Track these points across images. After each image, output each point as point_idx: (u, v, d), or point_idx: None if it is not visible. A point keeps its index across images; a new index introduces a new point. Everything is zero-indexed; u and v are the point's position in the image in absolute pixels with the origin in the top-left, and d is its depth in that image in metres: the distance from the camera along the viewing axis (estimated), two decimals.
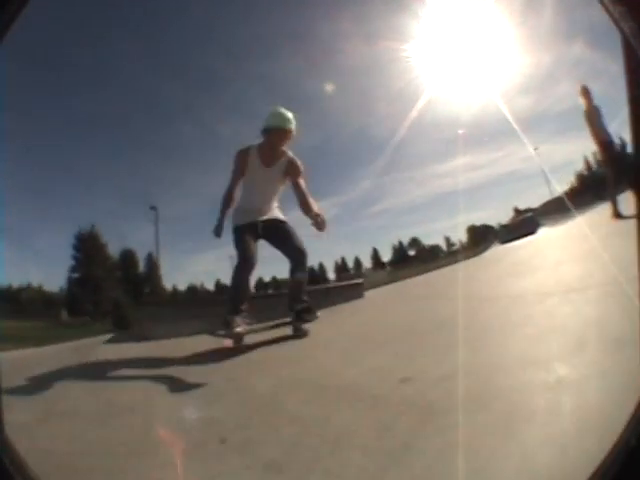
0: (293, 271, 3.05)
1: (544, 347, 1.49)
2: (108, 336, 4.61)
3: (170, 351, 2.99)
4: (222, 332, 2.80)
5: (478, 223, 10.90)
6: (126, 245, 7.80)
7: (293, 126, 2.93)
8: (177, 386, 2.00)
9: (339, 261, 11.25)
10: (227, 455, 1.19)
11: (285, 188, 3.19)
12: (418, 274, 8.51)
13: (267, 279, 7.82)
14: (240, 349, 2.75)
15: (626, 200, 4.18)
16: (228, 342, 2.81)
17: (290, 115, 2.93)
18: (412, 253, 11.66)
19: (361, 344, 2.37)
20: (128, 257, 7.89)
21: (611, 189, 4.43)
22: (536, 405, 1.01)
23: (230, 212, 3.09)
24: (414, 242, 11.95)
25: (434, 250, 11.21)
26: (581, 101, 4.69)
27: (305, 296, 3.05)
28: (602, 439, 0.61)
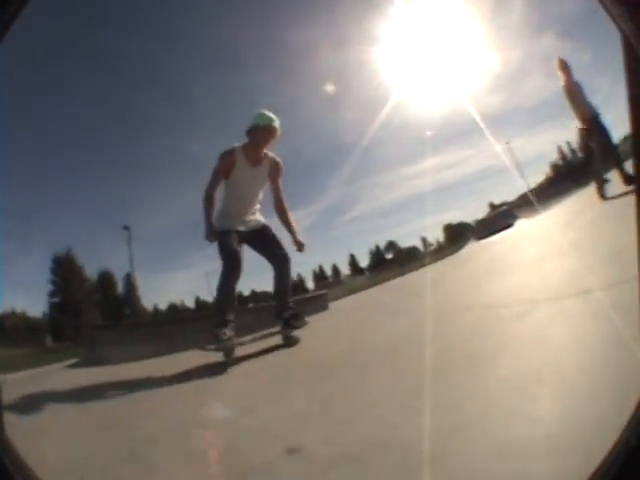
0: (279, 277, 2.99)
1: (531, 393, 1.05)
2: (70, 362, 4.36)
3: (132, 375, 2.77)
4: (213, 346, 2.67)
5: (454, 221, 10.90)
6: (103, 267, 7.59)
7: (278, 126, 2.96)
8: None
9: (317, 270, 11.22)
10: None
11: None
12: (396, 277, 8.45)
13: (246, 293, 7.68)
14: (231, 362, 2.60)
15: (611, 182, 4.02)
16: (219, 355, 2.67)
17: (275, 116, 2.96)
18: (390, 256, 11.67)
19: (269, 389, 1.88)
20: (106, 279, 7.66)
21: (597, 167, 4.20)
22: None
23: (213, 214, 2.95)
24: (391, 245, 11.99)
25: (411, 252, 11.19)
26: (559, 76, 4.39)
27: (291, 302, 2.99)
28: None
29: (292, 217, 3.11)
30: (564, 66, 4.38)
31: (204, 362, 2.66)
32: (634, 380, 0.79)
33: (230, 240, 2.86)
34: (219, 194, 3.01)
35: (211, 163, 2.98)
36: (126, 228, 6.71)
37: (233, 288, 2.83)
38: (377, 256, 11.73)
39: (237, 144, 2.96)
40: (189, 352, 3.08)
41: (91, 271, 7.52)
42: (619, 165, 3.92)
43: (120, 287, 7.63)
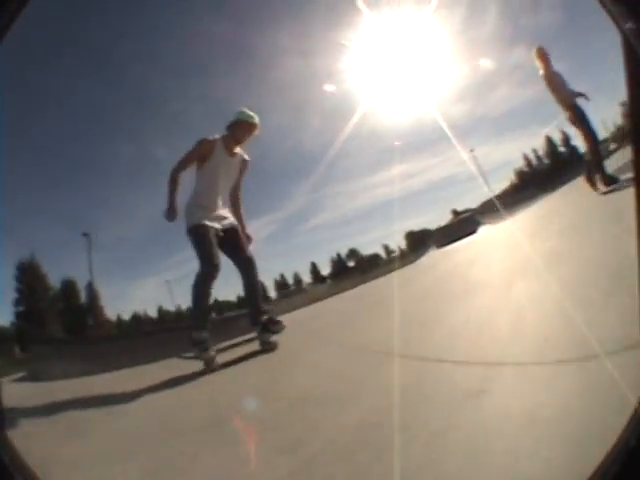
0: (250, 281, 2.87)
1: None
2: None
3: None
4: (193, 353, 2.55)
5: (417, 229, 10.84)
6: (66, 275, 7.25)
7: (258, 123, 3.00)
8: None
9: (279, 278, 11.13)
10: None
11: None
12: (357, 285, 8.35)
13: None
14: (213, 371, 2.43)
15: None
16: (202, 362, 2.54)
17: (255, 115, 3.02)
18: (352, 264, 11.64)
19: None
20: (68, 287, 7.35)
21: (587, 158, 3.94)
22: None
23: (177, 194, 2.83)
24: (352, 253, 11.96)
25: (373, 259, 11.16)
26: (538, 64, 4.14)
27: (265, 306, 2.90)
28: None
29: (243, 209, 3.12)
30: (542, 55, 4.16)
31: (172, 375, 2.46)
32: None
33: (209, 236, 2.73)
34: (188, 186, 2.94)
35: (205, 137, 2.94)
36: (86, 235, 6.48)
37: (210, 290, 2.69)
38: (339, 264, 11.76)
39: (217, 135, 2.97)
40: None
41: (54, 279, 7.21)
42: (599, 163, 3.80)
43: (83, 296, 7.39)
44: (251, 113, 3.00)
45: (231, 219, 2.97)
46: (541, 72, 4.11)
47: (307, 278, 11.19)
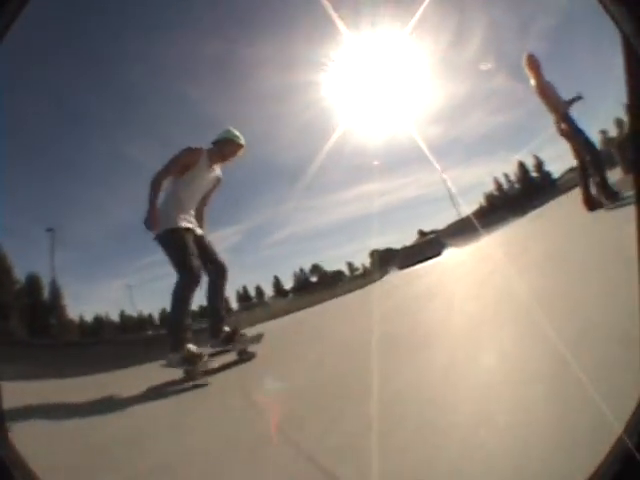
0: (218, 289, 2.78)
1: None
2: None
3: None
4: (175, 362, 2.41)
5: (382, 247, 10.79)
6: (30, 270, 7.07)
7: (245, 145, 3.01)
8: None
9: (241, 290, 11.04)
10: None
11: None
12: (320, 302, 8.23)
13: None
14: (198, 380, 2.29)
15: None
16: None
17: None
18: (314, 280, 11.64)
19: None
20: (33, 283, 7.19)
21: (580, 173, 3.82)
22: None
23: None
24: (315, 269, 12.00)
25: (336, 276, 11.16)
26: (528, 74, 3.92)
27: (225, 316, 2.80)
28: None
29: (205, 224, 3.05)
30: (533, 62, 3.95)
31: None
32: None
33: (189, 240, 2.63)
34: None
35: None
36: (50, 230, 6.27)
37: (190, 302, 2.56)
38: (301, 279, 11.85)
39: (201, 145, 2.96)
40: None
41: (20, 273, 7.09)
42: (601, 176, 3.62)
43: (46, 293, 7.18)
44: (238, 133, 3.01)
45: (199, 227, 2.92)
46: (532, 82, 3.96)
47: (269, 291, 11.20)
